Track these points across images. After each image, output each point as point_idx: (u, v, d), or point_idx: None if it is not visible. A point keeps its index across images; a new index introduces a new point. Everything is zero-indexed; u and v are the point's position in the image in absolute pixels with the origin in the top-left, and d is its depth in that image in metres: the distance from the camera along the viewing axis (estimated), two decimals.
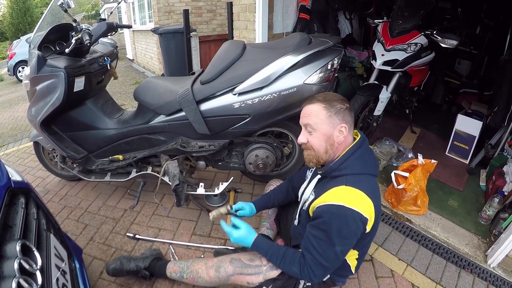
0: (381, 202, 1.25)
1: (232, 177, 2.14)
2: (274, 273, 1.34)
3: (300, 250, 1.30)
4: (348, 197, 1.14)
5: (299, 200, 1.50)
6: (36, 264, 0.91)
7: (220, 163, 2.21)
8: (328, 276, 1.37)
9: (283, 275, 1.33)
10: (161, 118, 1.98)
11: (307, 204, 1.34)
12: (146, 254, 1.74)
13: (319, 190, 1.28)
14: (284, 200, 1.72)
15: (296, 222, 1.45)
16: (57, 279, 1.03)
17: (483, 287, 1.77)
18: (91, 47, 2.24)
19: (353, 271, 1.40)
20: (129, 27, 2.67)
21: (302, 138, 1.30)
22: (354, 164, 1.22)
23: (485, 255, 1.97)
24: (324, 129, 1.24)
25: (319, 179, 1.35)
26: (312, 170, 1.48)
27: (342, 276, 1.44)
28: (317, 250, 1.18)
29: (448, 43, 2.51)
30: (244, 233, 1.37)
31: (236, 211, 1.61)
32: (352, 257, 1.35)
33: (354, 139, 1.30)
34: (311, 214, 1.28)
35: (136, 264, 1.65)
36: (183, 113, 1.87)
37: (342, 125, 1.22)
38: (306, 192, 1.39)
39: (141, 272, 1.64)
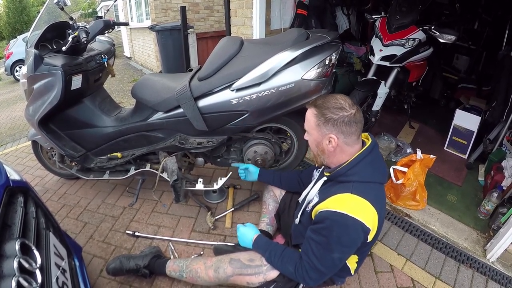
0: (385, 209, 1.22)
1: (231, 173, 2.14)
2: (274, 273, 1.33)
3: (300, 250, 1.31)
4: (352, 206, 1.12)
5: (300, 200, 1.50)
6: (36, 262, 0.91)
7: (218, 160, 2.21)
8: None
9: (283, 276, 1.32)
10: (159, 115, 1.98)
11: (310, 205, 1.33)
12: (146, 252, 1.74)
13: (323, 193, 1.26)
14: (288, 185, 1.82)
15: (297, 221, 1.45)
16: (57, 278, 1.03)
17: (482, 281, 1.78)
18: (88, 45, 2.22)
19: (352, 273, 1.40)
20: (126, 24, 2.66)
21: (305, 135, 1.34)
22: (362, 171, 1.19)
23: (484, 250, 1.98)
24: (314, 135, 1.26)
25: (325, 181, 1.33)
26: (319, 170, 1.48)
27: (341, 276, 1.45)
28: (315, 255, 1.17)
29: (446, 38, 2.50)
30: (248, 229, 1.46)
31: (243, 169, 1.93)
32: (352, 260, 1.35)
33: (364, 143, 1.26)
34: (313, 217, 1.27)
35: (135, 263, 1.65)
36: (181, 110, 1.87)
37: (331, 135, 1.19)
38: (311, 193, 1.38)
39: (140, 270, 1.65)
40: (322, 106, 1.21)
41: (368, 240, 1.18)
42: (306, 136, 1.34)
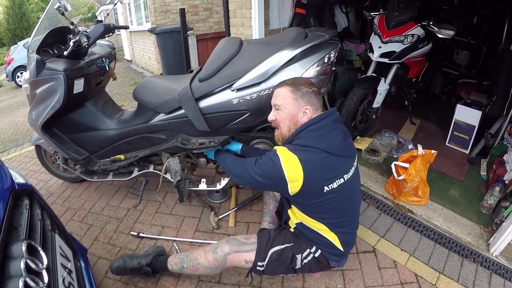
0: (325, 177, 1.29)
1: None
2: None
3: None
4: (284, 154, 1.29)
5: None
6: (42, 263, 0.92)
7: None
8: (320, 252, 1.43)
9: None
10: (161, 116, 1.99)
11: None
12: (149, 251, 1.76)
13: None
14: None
15: None
16: (63, 278, 1.04)
17: (486, 275, 1.79)
18: (89, 49, 2.24)
19: (341, 248, 1.42)
20: (126, 28, 2.67)
21: (271, 116, 1.50)
22: (304, 137, 1.35)
23: (487, 244, 1.98)
24: (290, 109, 1.41)
25: None
26: None
27: (332, 254, 1.45)
28: (246, 162, 1.47)
29: (444, 34, 2.51)
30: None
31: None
32: (324, 231, 1.40)
33: None
34: None
35: (138, 262, 1.67)
36: (182, 111, 1.88)
37: (307, 107, 1.38)
38: None
39: (143, 268, 1.66)
40: (295, 83, 1.42)
41: (290, 193, 1.30)
42: (274, 115, 1.48)
